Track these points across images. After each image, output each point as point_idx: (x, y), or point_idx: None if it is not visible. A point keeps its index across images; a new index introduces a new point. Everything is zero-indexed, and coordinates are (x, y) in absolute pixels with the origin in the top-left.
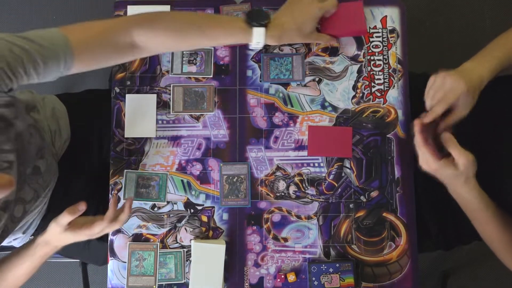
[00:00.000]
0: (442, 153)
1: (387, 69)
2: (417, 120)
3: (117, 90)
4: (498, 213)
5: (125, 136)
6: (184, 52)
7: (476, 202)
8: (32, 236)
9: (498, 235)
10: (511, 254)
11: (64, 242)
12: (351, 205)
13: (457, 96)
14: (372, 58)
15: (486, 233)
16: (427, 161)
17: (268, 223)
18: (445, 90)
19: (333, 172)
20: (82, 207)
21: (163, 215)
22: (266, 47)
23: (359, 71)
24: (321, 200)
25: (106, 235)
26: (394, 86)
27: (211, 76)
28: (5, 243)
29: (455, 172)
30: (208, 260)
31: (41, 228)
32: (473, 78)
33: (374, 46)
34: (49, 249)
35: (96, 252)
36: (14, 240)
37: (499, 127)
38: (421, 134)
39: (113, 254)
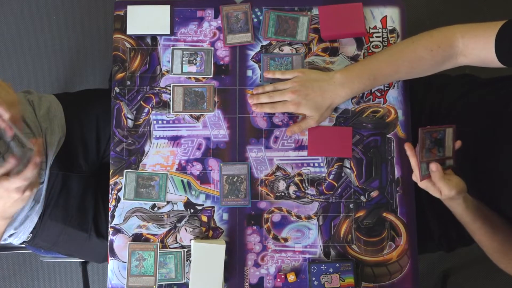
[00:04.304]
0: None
1: None
2: (408, 145)
3: (117, 90)
4: (486, 224)
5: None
6: (184, 52)
7: (464, 216)
8: (31, 234)
9: (487, 242)
10: (501, 258)
11: None
12: (351, 205)
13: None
14: None
15: (476, 238)
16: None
17: (268, 223)
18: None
19: (333, 172)
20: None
21: (163, 215)
22: (267, 47)
23: None
24: (321, 200)
25: (106, 232)
26: (394, 86)
27: (211, 76)
28: (1, 241)
29: (439, 196)
30: (208, 260)
31: (39, 226)
32: (323, 105)
33: (374, 46)
34: None
35: (96, 249)
36: (9, 237)
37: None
38: (413, 157)
39: (113, 254)
